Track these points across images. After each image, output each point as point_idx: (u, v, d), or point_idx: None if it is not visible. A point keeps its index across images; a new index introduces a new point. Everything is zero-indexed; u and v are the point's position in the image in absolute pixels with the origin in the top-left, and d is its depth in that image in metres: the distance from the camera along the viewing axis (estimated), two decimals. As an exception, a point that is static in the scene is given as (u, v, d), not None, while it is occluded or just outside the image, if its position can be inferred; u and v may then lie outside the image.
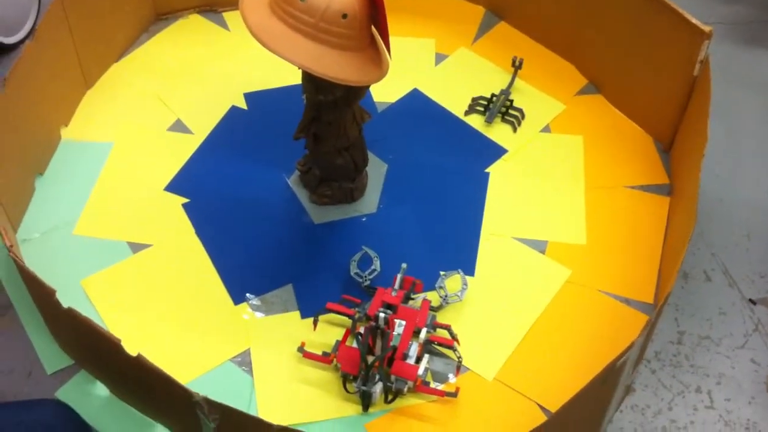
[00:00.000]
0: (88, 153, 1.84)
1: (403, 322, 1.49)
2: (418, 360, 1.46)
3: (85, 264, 1.63)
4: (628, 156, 1.91)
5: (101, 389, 1.47)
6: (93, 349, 1.39)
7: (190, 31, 2.19)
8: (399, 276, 1.58)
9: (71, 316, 1.29)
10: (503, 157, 1.89)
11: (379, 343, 1.44)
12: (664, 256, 1.69)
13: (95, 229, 1.69)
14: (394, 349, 1.43)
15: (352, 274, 1.60)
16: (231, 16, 2.21)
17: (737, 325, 1.67)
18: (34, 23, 2.17)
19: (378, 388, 1.41)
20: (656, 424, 1.51)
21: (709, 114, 1.63)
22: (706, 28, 1.70)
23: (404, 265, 1.60)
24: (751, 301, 1.71)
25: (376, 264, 1.61)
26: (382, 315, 1.43)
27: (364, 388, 1.40)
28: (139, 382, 1.32)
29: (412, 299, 1.58)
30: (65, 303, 1.31)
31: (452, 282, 1.62)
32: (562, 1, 2.05)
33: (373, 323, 1.44)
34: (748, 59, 2.36)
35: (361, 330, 1.45)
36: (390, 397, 1.43)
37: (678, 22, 1.75)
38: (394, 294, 1.54)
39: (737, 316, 1.69)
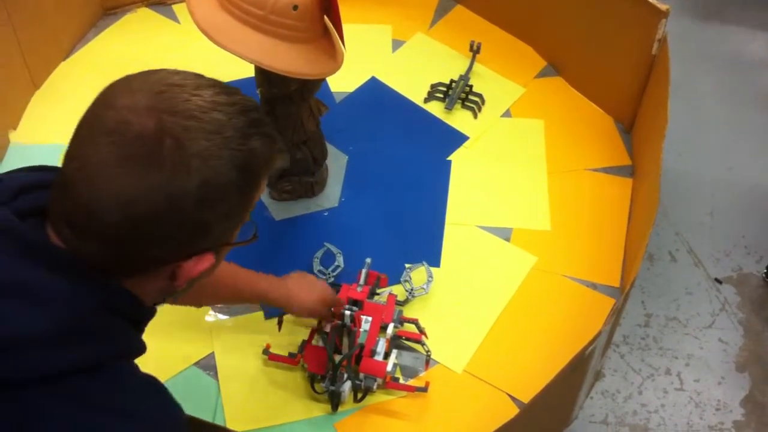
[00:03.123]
0: (38, 156, 1.78)
1: (370, 319, 1.47)
2: (387, 356, 1.44)
3: (40, 272, 1.58)
4: (590, 138, 1.90)
5: (62, 401, 1.43)
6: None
7: (139, 26, 2.13)
8: (363, 271, 1.55)
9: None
10: (465, 144, 1.87)
11: (346, 341, 1.42)
12: (629, 239, 1.68)
13: (48, 236, 1.64)
14: (362, 346, 1.41)
15: (315, 271, 1.57)
16: (181, 9, 2.16)
17: (704, 305, 1.68)
18: (-23, 23, 2.10)
19: (346, 387, 1.39)
20: (627, 409, 1.51)
21: (669, 92, 1.62)
22: (663, 7, 1.69)
23: (368, 260, 1.57)
24: (716, 280, 1.72)
25: (339, 260, 1.59)
26: (348, 313, 1.41)
27: (332, 388, 1.37)
28: (100, 393, 1.28)
29: (378, 294, 1.56)
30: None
31: (418, 275, 1.59)
32: (518, -17, 2.03)
33: (338, 321, 1.41)
34: (707, 34, 2.36)
35: (327, 329, 1.42)
36: (359, 396, 1.41)
37: (635, 1, 1.74)
38: (359, 290, 1.51)
39: (703, 295, 1.69)
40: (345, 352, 1.40)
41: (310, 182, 1.72)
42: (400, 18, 2.18)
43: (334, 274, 1.56)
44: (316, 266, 1.58)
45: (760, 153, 2.00)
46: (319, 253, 1.60)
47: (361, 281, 1.54)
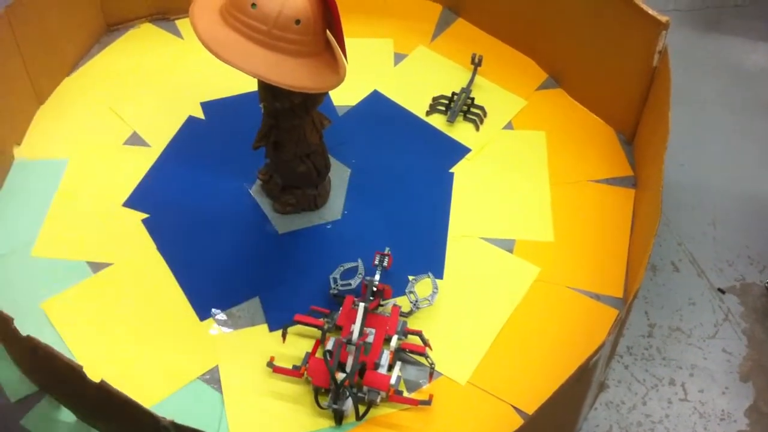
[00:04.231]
0: (42, 171, 1.80)
1: (373, 331, 1.47)
2: (390, 368, 1.44)
3: (45, 286, 1.59)
4: (592, 149, 1.91)
5: (67, 415, 1.44)
6: (56, 376, 1.35)
7: (142, 41, 2.14)
8: (378, 270, 1.55)
9: (31, 343, 1.25)
10: (467, 156, 1.88)
11: (350, 360, 1.41)
12: (632, 250, 1.68)
13: (53, 250, 1.65)
14: (364, 364, 1.41)
15: (340, 287, 1.57)
16: (184, 24, 2.17)
17: (707, 315, 1.68)
18: (-19, 39, 2.11)
19: (349, 403, 1.39)
20: (632, 420, 1.51)
21: (670, 104, 1.63)
22: (663, 18, 1.70)
23: (375, 279, 1.57)
24: (720, 290, 1.72)
25: (361, 268, 1.59)
26: (356, 334, 1.39)
27: (335, 406, 1.37)
28: (105, 407, 1.28)
29: (382, 305, 1.56)
30: (26, 327, 1.27)
31: (422, 286, 1.60)
32: (519, -5, 2.04)
33: (342, 339, 1.41)
34: (707, 45, 2.37)
35: (330, 346, 1.42)
36: (362, 410, 1.40)
37: (635, 13, 1.75)
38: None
39: (707, 305, 1.69)
40: (348, 371, 1.39)
41: (313, 195, 1.73)
42: (402, 31, 2.19)
43: (352, 285, 1.56)
44: (336, 284, 1.58)
45: (762, 163, 2.01)
46: (337, 273, 1.60)
47: (377, 277, 1.54)
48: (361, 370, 1.40)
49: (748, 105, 2.17)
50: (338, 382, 1.37)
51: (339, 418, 1.39)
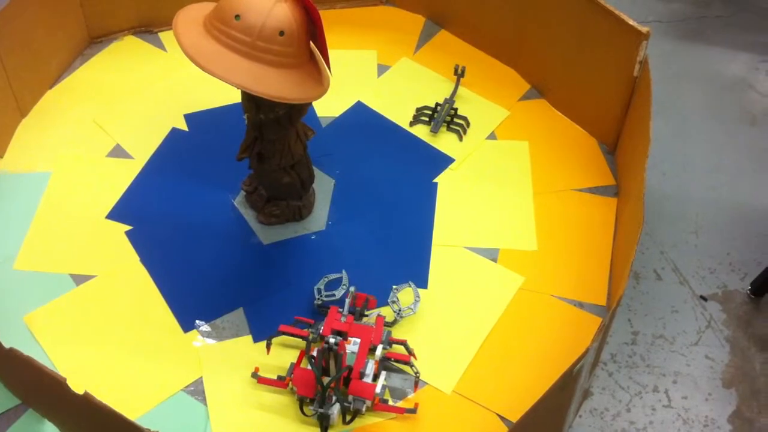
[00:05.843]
0: (25, 184, 1.79)
1: (358, 340, 1.47)
2: (376, 378, 1.44)
3: (28, 299, 1.58)
4: (574, 159, 1.92)
5: (50, 429, 1.43)
6: (39, 388, 1.34)
7: (125, 54, 2.14)
8: (347, 301, 1.55)
9: (13, 356, 1.25)
10: (450, 166, 1.89)
11: (332, 364, 1.42)
12: (615, 258, 1.69)
13: (36, 263, 1.64)
14: (350, 368, 1.41)
15: (319, 296, 1.57)
16: (167, 36, 2.17)
17: (690, 323, 1.68)
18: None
19: (335, 409, 1.39)
20: (616, 427, 1.52)
21: (651, 113, 1.64)
22: (644, 29, 1.72)
23: (353, 289, 1.57)
24: (702, 297, 1.73)
25: (345, 279, 1.59)
26: (332, 340, 1.40)
27: (321, 410, 1.37)
28: (89, 420, 1.28)
29: (366, 316, 1.56)
30: (9, 340, 1.26)
31: (404, 295, 1.60)
32: (502, 7, 2.05)
33: (325, 345, 1.41)
34: (688, 55, 2.39)
35: (315, 353, 1.42)
36: (348, 418, 1.41)
37: (616, 24, 1.77)
38: (343, 320, 1.51)
39: (689, 313, 1.70)
40: (333, 375, 1.40)
41: (298, 206, 1.73)
42: (386, 43, 2.20)
43: (336, 296, 1.57)
44: (321, 294, 1.58)
45: (743, 171, 2.02)
46: (321, 284, 1.60)
47: (345, 311, 1.54)
48: (346, 379, 1.40)
49: (729, 114, 2.19)
50: (324, 385, 1.36)
51: (324, 425, 1.39)
